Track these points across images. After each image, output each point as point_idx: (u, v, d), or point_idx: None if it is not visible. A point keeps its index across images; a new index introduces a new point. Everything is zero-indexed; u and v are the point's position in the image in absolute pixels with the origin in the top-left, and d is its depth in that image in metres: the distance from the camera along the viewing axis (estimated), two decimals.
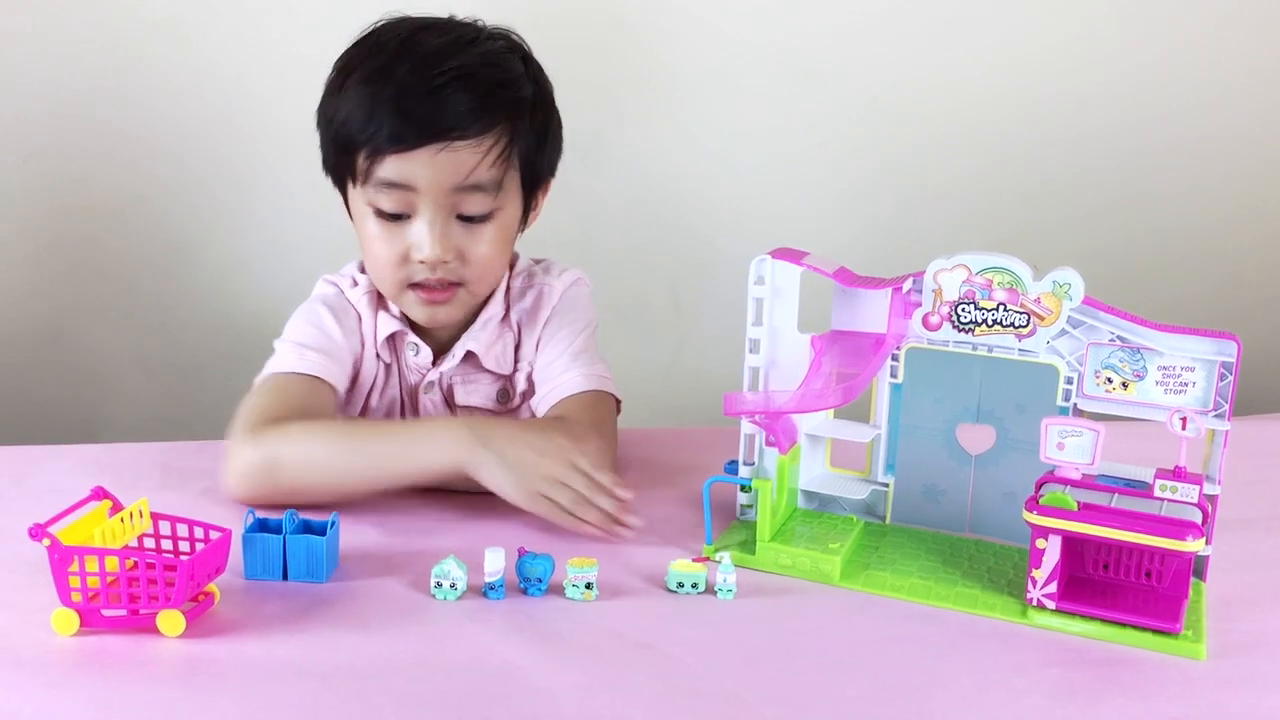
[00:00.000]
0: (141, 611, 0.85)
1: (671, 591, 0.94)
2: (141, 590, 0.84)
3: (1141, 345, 0.95)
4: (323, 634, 0.86)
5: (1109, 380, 0.96)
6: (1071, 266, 0.96)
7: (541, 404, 1.22)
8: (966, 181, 1.86)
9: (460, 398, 1.25)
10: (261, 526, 0.94)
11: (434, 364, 1.24)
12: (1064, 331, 0.96)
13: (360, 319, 1.25)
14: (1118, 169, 1.87)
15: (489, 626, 0.88)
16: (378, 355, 1.25)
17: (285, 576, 0.94)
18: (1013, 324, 0.97)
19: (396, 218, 1.15)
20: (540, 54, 1.23)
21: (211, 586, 0.89)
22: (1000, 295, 0.97)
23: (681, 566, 0.94)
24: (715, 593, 0.93)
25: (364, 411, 1.26)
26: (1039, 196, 1.87)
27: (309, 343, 1.20)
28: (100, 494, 0.91)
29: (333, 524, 0.95)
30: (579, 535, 1.02)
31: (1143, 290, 1.80)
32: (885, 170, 1.87)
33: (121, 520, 0.88)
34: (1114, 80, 1.85)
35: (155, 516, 0.91)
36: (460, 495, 1.10)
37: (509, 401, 1.26)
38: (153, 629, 0.84)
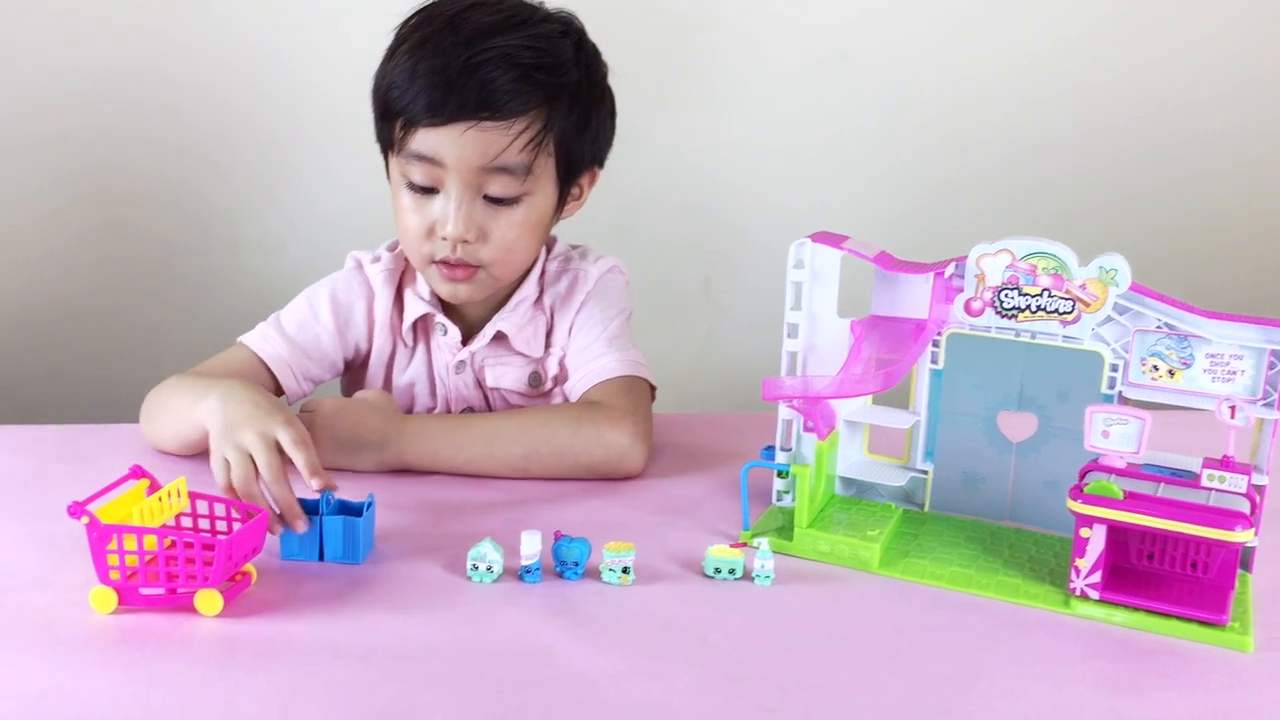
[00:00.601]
0: (179, 590, 0.85)
1: (708, 577, 0.93)
2: (180, 569, 0.84)
3: (1189, 333, 0.93)
4: (359, 615, 0.86)
5: (1155, 368, 0.95)
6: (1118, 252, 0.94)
7: (575, 388, 1.21)
8: (1003, 167, 1.85)
9: (491, 380, 1.25)
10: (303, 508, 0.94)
11: (464, 344, 1.24)
12: (1110, 318, 0.95)
13: (373, 297, 1.25)
14: (1163, 153, 1.85)
15: (525, 610, 0.87)
16: (400, 337, 1.25)
17: (321, 558, 0.94)
18: (1057, 310, 0.96)
19: (426, 191, 1.15)
20: None
21: (249, 566, 0.89)
22: (1045, 281, 0.95)
23: (719, 552, 0.93)
24: (753, 579, 0.93)
25: (388, 388, 1.27)
26: (1080, 182, 1.85)
27: (288, 328, 1.23)
28: (138, 473, 0.91)
29: (369, 505, 0.95)
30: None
31: (1190, 276, 1.77)
32: (918, 157, 1.86)
33: (159, 499, 0.88)
34: (1156, 63, 1.83)
35: (193, 496, 0.91)
36: (497, 480, 1.11)
37: (540, 385, 1.26)
38: (190, 608, 0.84)
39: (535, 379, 1.26)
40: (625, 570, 0.92)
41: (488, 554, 0.91)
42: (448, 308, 1.25)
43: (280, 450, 0.96)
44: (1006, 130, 1.84)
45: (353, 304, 1.25)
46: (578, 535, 0.93)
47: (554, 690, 0.77)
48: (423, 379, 1.26)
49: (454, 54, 1.11)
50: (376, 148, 1.21)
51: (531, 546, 0.91)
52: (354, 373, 1.28)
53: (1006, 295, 0.97)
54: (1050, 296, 0.96)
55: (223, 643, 0.81)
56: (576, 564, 0.92)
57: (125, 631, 0.82)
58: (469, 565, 0.91)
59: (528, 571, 0.91)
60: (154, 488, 0.90)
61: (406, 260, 1.25)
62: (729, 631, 0.85)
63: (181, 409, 1.08)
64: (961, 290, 0.99)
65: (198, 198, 1.79)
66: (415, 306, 1.24)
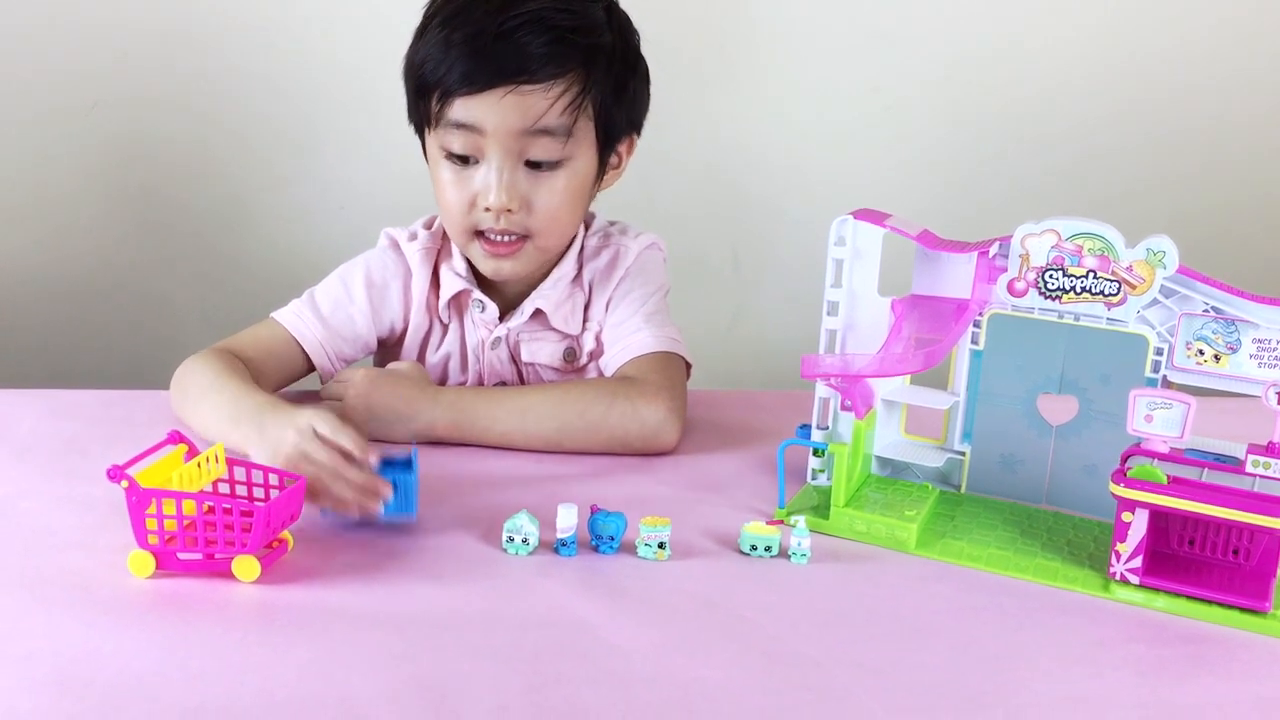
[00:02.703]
0: (217, 556, 0.85)
1: (744, 554, 0.93)
2: (218, 535, 0.84)
3: (1237, 317, 0.92)
4: (396, 584, 0.86)
5: (1200, 352, 0.94)
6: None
7: (611, 363, 1.21)
8: (1043, 147, 1.83)
9: (526, 355, 1.24)
10: None
11: (501, 320, 1.24)
12: (1156, 301, 0.94)
13: (410, 276, 1.24)
14: (1212, 132, 1.82)
15: (562, 582, 0.87)
16: (436, 315, 1.25)
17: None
18: (1102, 292, 0.95)
19: (465, 161, 1.14)
20: None
21: (285, 534, 0.89)
22: (1090, 262, 0.94)
23: (755, 529, 0.93)
24: (789, 556, 0.92)
25: (422, 363, 1.26)
26: (1125, 161, 1.83)
27: (322, 306, 1.22)
28: (176, 438, 0.91)
29: (414, 459, 0.95)
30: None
31: (1238, 259, 1.74)
32: (955, 135, 1.84)
33: (198, 465, 0.88)
34: (1203, 40, 1.80)
35: (230, 462, 0.91)
36: (531, 453, 1.11)
37: (575, 361, 1.25)
38: (227, 574, 0.85)
39: (570, 354, 1.25)
40: (661, 545, 0.91)
41: (524, 526, 0.91)
42: (484, 283, 1.24)
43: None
44: (1048, 108, 1.82)
45: (388, 283, 1.24)
46: (614, 509, 0.93)
47: (591, 663, 0.77)
48: (456, 354, 1.26)
49: (487, 21, 1.11)
50: (404, 120, 1.20)
51: (568, 520, 0.91)
52: (388, 350, 1.28)
53: (1051, 276, 0.96)
54: (1096, 278, 0.95)
55: (261, 609, 0.82)
56: (612, 538, 0.92)
57: (163, 596, 0.83)
58: (505, 537, 0.91)
59: (563, 545, 0.91)
60: (192, 453, 0.90)
61: (443, 237, 1.25)
62: (765, 608, 0.85)
63: (210, 423, 1.06)
64: (1005, 270, 0.98)
65: (228, 167, 1.80)
66: (452, 283, 1.23)
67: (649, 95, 1.24)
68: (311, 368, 1.21)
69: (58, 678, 0.73)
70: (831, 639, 0.81)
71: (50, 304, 1.81)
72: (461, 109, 1.12)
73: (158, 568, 0.85)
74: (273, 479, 0.91)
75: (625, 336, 1.21)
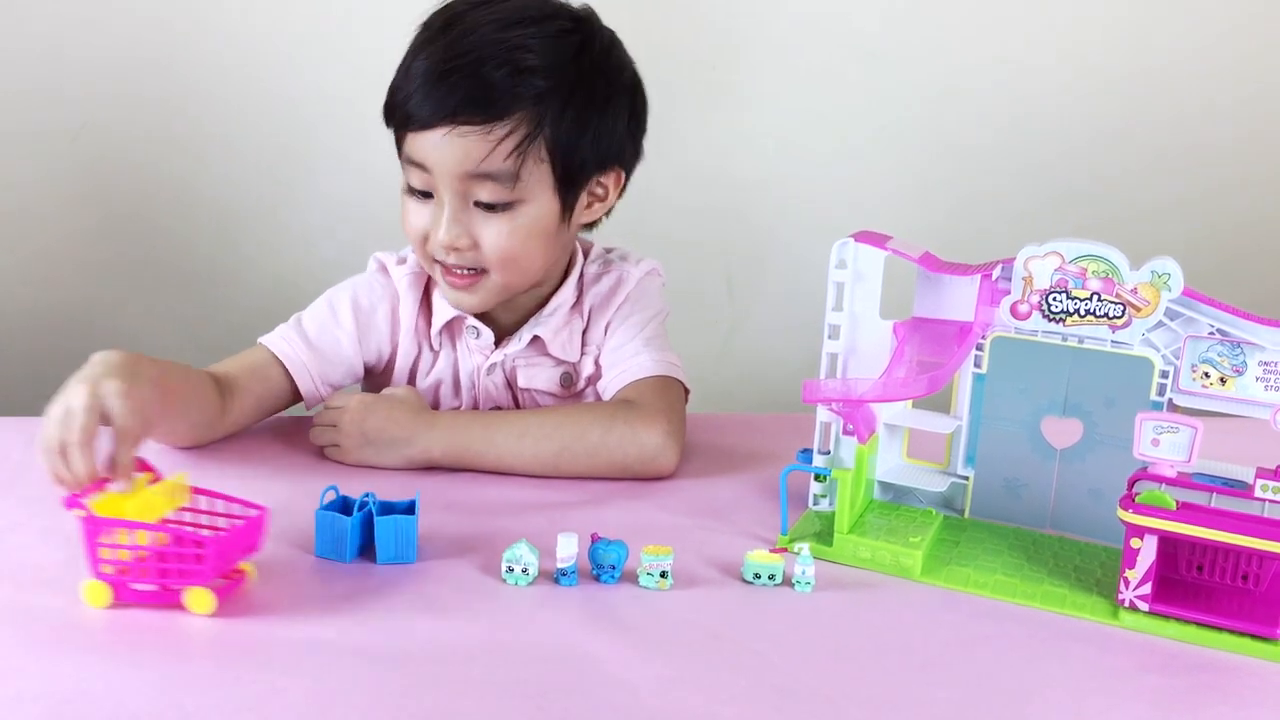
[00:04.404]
0: (170, 587, 0.83)
1: (747, 582, 0.91)
2: (169, 565, 0.82)
3: (1242, 339, 0.91)
4: (394, 617, 0.84)
5: (1206, 375, 0.93)
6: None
7: (610, 386, 1.19)
8: (1039, 169, 1.82)
9: (523, 381, 1.23)
10: (343, 504, 0.93)
11: (497, 346, 1.22)
12: (1161, 323, 0.93)
13: (398, 301, 1.22)
14: (1214, 153, 1.81)
15: (563, 614, 0.85)
16: (427, 341, 1.23)
17: (353, 558, 0.92)
18: (1107, 315, 0.94)
19: (423, 195, 1.13)
20: None
21: (247, 565, 0.87)
22: (1095, 285, 0.93)
23: (758, 557, 0.91)
24: (793, 585, 0.91)
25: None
26: (1126, 183, 1.82)
27: (309, 330, 1.19)
28: (142, 467, 0.88)
29: (416, 504, 0.93)
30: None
31: (1243, 281, 1.74)
32: (950, 157, 1.83)
33: (160, 493, 0.86)
34: (1205, 60, 1.79)
35: (195, 491, 0.89)
36: (530, 478, 1.10)
37: (572, 386, 1.24)
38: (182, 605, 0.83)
39: (567, 379, 1.24)
40: (663, 574, 0.90)
41: (523, 556, 0.89)
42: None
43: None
44: (1048, 128, 1.81)
45: (375, 307, 1.22)
46: (615, 538, 0.92)
47: (596, 698, 0.75)
48: (448, 380, 1.24)
49: (442, 55, 1.09)
50: (390, 147, 1.19)
51: (568, 549, 0.89)
52: (376, 377, 1.25)
53: (1055, 299, 0.95)
54: (1100, 300, 0.94)
55: (257, 645, 0.79)
56: (614, 567, 0.90)
57: (157, 633, 0.80)
58: (504, 567, 0.90)
59: (564, 574, 0.90)
60: (157, 481, 0.88)
61: None
62: (773, 639, 0.83)
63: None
64: (1008, 293, 0.97)
65: (216, 192, 1.77)
66: (445, 309, 1.21)
67: (638, 126, 1.20)
68: (297, 393, 1.18)
69: (49, 718, 0.70)
70: (840, 672, 0.79)
71: (36, 331, 1.78)
72: (412, 144, 1.11)
73: (114, 599, 0.83)
74: (236, 509, 0.88)
75: (624, 360, 1.20)
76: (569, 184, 1.14)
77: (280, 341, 1.18)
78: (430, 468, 1.11)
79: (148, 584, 0.83)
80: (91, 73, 1.70)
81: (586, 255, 1.26)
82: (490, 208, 1.11)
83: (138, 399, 0.91)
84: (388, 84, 1.16)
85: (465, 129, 1.07)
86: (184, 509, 0.89)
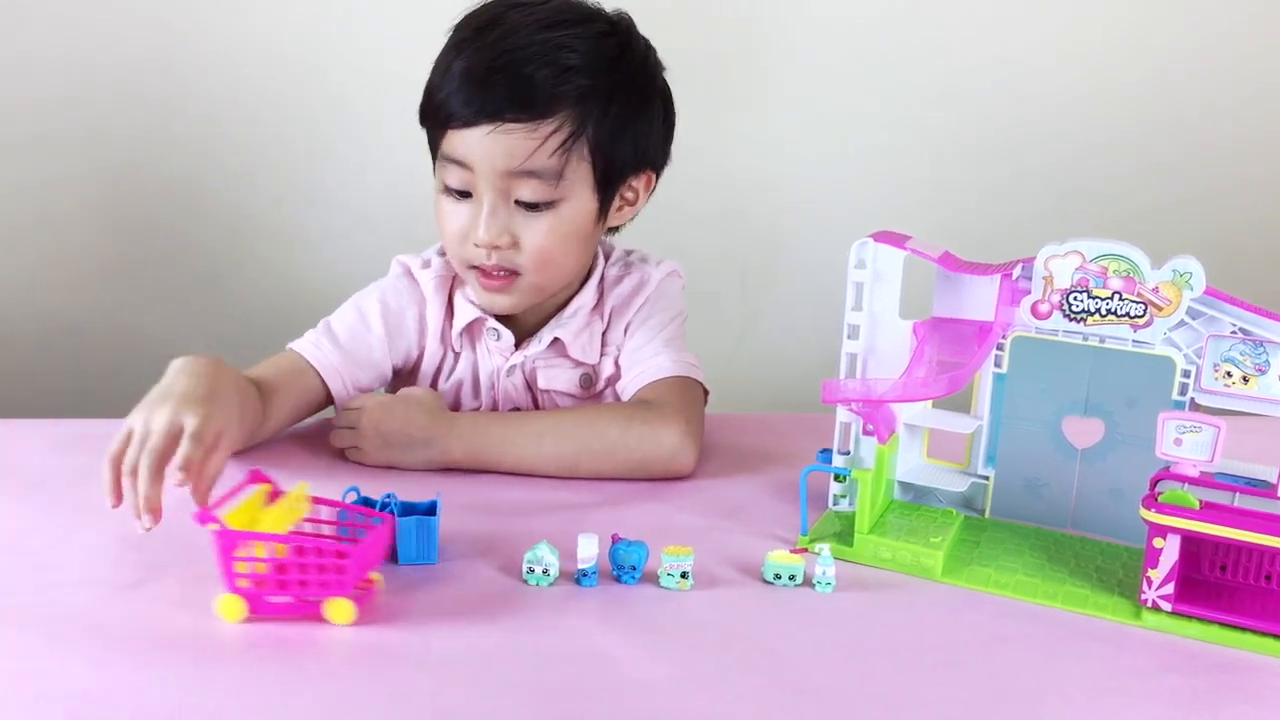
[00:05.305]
0: (307, 599, 0.82)
1: (768, 583, 0.91)
2: (309, 577, 0.82)
3: (1265, 338, 0.90)
4: (414, 619, 0.84)
5: (1228, 374, 0.92)
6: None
7: (629, 387, 1.20)
8: (1063, 165, 1.81)
9: (542, 382, 1.23)
10: (365, 506, 0.93)
11: (518, 348, 1.22)
12: (1182, 322, 0.92)
13: (425, 304, 1.23)
14: (1234, 150, 1.79)
15: (584, 615, 0.85)
16: (450, 344, 1.23)
17: (394, 560, 0.92)
18: (1128, 314, 0.93)
19: (461, 195, 1.13)
20: None
21: (375, 574, 0.87)
22: (1116, 284, 0.93)
23: (779, 558, 0.91)
24: (814, 585, 0.91)
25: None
26: (1144, 182, 1.81)
27: (339, 335, 1.19)
28: (258, 477, 0.88)
29: (438, 505, 0.93)
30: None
31: (1265, 280, 1.73)
32: (966, 157, 1.83)
33: (289, 505, 0.86)
34: (1225, 56, 1.78)
35: (315, 501, 0.89)
36: (549, 479, 1.10)
37: (592, 387, 1.24)
38: (317, 616, 0.82)
39: (587, 380, 1.24)
40: (684, 575, 0.90)
41: (544, 557, 0.90)
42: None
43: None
44: (1065, 125, 1.80)
45: (404, 310, 1.23)
46: (635, 539, 0.91)
47: (616, 698, 0.75)
48: (468, 381, 1.25)
49: (484, 55, 1.09)
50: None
51: (589, 550, 0.89)
52: (401, 379, 1.26)
53: (1075, 298, 0.95)
54: (1121, 300, 0.93)
55: (268, 648, 0.80)
56: (634, 568, 0.90)
57: (173, 635, 0.80)
58: (525, 568, 0.90)
59: (584, 575, 0.90)
60: (275, 493, 0.88)
61: None
62: (793, 640, 0.83)
63: None
64: (1028, 292, 0.96)
65: (230, 194, 1.78)
66: (466, 311, 1.22)
67: (669, 131, 1.21)
68: (329, 397, 1.19)
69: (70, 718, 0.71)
70: (860, 673, 0.79)
71: (46, 333, 1.79)
72: (454, 142, 1.11)
73: (251, 612, 0.82)
74: (359, 518, 0.88)
75: (643, 361, 1.20)
76: (607, 185, 1.15)
77: (311, 347, 1.18)
78: (449, 469, 1.11)
79: (284, 596, 0.83)
80: (98, 75, 1.71)
81: (607, 258, 1.26)
82: (532, 207, 1.12)
83: (220, 421, 0.93)
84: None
85: (511, 126, 1.08)
86: (307, 519, 0.88)
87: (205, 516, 0.81)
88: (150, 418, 0.92)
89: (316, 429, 1.19)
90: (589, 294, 1.23)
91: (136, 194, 1.77)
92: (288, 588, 0.82)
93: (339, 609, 0.82)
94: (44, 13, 1.68)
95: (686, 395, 1.17)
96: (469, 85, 1.09)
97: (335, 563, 0.81)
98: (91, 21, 1.69)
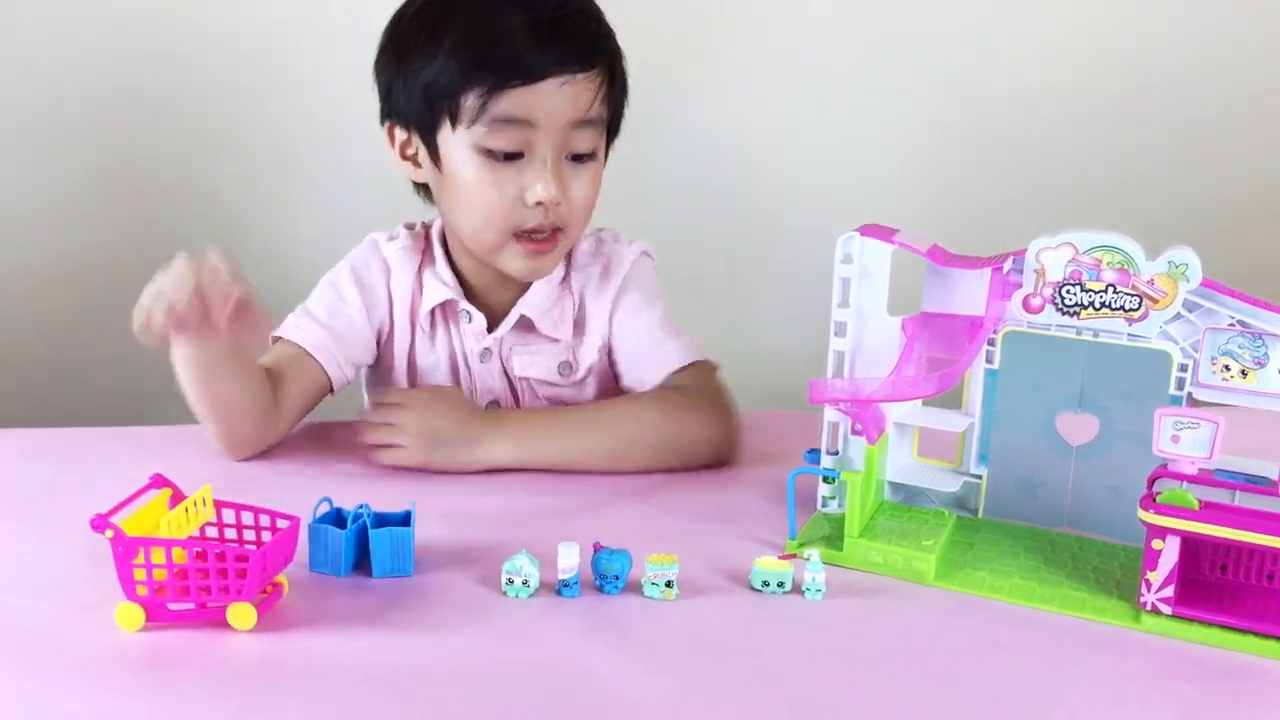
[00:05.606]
0: (210, 605, 0.80)
1: (756, 590, 0.88)
2: (211, 582, 0.79)
3: (1264, 331, 0.88)
4: (388, 633, 0.81)
5: (1226, 368, 0.90)
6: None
7: (645, 379, 1.19)
8: (1056, 154, 1.78)
9: (519, 369, 1.21)
10: (336, 517, 0.90)
11: (490, 330, 1.20)
12: (1179, 315, 0.90)
13: (389, 273, 1.20)
14: (1233, 145, 1.77)
15: (566, 627, 0.82)
16: (418, 322, 1.21)
17: (348, 572, 0.89)
18: (1123, 307, 0.91)
19: (510, 158, 1.10)
20: None
21: (281, 577, 0.85)
22: (1110, 276, 0.90)
23: (767, 564, 0.88)
24: (803, 592, 0.88)
25: (410, 378, 1.22)
26: (1144, 169, 1.78)
27: (319, 314, 1.17)
28: (160, 482, 0.86)
29: (412, 515, 0.90)
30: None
31: (1262, 272, 1.70)
32: (956, 146, 1.80)
33: (185, 509, 0.83)
34: (1226, 52, 1.75)
35: (218, 504, 0.86)
36: (526, 486, 1.06)
37: (571, 374, 1.21)
38: (221, 623, 0.80)
39: (565, 368, 1.21)
40: (669, 584, 0.87)
41: (523, 567, 0.87)
42: (469, 294, 1.20)
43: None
44: (1059, 112, 1.77)
45: (374, 281, 1.20)
46: (618, 547, 0.88)
47: (600, 716, 0.72)
48: (444, 368, 1.22)
49: (536, 11, 1.07)
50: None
51: (569, 559, 0.86)
52: (379, 363, 1.23)
53: (1068, 291, 0.92)
54: (1115, 293, 0.91)
55: (250, 663, 0.77)
56: (617, 577, 0.87)
57: (146, 652, 0.78)
58: (504, 579, 0.87)
59: (565, 586, 0.87)
60: (177, 497, 0.85)
61: (427, 240, 1.22)
62: (782, 650, 0.80)
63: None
64: (1020, 286, 0.94)
65: (205, 197, 1.75)
66: (436, 291, 1.19)
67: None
68: (329, 381, 1.16)
69: None
70: (854, 684, 0.77)
71: (31, 339, 1.75)
72: (512, 102, 1.07)
73: (147, 620, 0.80)
74: (264, 520, 0.86)
75: (650, 351, 1.19)
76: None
77: (296, 330, 1.16)
78: (439, 473, 1.07)
79: (186, 603, 0.80)
80: (90, 72, 1.67)
81: None
82: (578, 159, 1.12)
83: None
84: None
85: (575, 76, 1.08)
86: (208, 524, 0.86)
87: (100, 523, 0.78)
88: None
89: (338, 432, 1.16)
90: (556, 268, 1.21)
91: (126, 191, 1.73)
92: (189, 594, 0.80)
93: (242, 614, 0.79)
94: (28, 12, 1.64)
95: (708, 378, 1.18)
96: (531, 38, 1.07)
97: (238, 567, 0.79)
98: (80, 19, 1.66)
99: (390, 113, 1.15)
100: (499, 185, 1.10)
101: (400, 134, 1.15)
